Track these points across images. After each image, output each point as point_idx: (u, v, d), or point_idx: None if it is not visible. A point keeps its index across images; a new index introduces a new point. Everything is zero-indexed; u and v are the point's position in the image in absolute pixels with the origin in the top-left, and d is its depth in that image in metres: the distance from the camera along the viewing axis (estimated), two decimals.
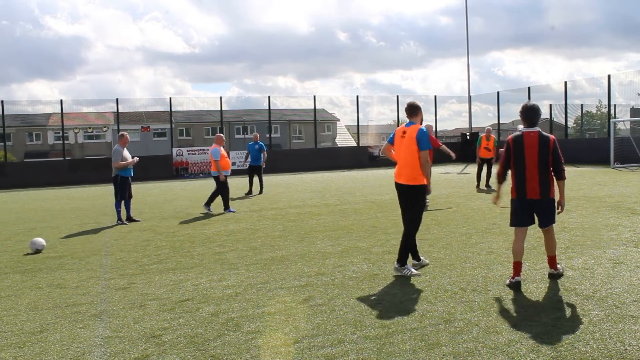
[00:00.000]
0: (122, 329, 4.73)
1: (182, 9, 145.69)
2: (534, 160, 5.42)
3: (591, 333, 4.19)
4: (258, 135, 17.39)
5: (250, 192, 16.60)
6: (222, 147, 12.89)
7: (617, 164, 23.01)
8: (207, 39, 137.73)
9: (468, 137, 33.40)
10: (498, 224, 9.26)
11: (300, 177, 24.35)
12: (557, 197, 5.56)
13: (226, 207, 12.64)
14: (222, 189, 12.67)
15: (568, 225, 8.85)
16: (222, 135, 13.32)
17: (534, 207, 5.52)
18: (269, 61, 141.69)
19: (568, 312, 4.69)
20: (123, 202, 11.50)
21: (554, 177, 5.54)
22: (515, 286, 5.40)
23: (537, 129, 5.50)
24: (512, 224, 5.67)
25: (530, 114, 5.51)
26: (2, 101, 26.81)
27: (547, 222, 5.58)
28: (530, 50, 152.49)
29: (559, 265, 5.80)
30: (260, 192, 16.90)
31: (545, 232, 5.66)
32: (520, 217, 5.57)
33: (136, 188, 21.99)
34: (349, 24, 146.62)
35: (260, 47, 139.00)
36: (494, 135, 16.42)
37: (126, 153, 11.50)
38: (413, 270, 6.13)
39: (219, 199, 12.95)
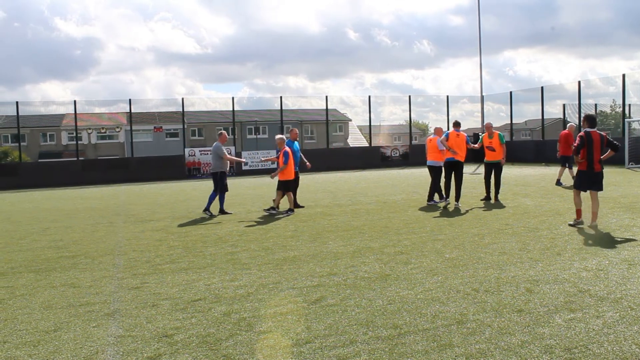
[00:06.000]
0: (134, 328, 4.76)
1: (192, 9, 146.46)
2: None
3: (605, 335, 4.15)
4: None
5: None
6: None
7: (631, 164, 22.73)
8: (218, 39, 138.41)
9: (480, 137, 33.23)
10: (511, 224, 9.20)
11: (312, 177, 24.34)
12: None
13: (444, 195, 12.62)
14: (438, 178, 12.63)
15: (581, 226, 8.77)
16: (441, 127, 12.99)
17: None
18: (280, 61, 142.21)
19: (582, 313, 4.65)
20: (217, 195, 12.29)
21: None
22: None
23: None
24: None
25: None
26: (17, 102, 27.13)
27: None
28: (544, 50, 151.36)
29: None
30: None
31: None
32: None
33: (149, 188, 22.19)
34: (360, 24, 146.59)
35: (272, 47, 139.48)
36: (497, 132, 12.71)
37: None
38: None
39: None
